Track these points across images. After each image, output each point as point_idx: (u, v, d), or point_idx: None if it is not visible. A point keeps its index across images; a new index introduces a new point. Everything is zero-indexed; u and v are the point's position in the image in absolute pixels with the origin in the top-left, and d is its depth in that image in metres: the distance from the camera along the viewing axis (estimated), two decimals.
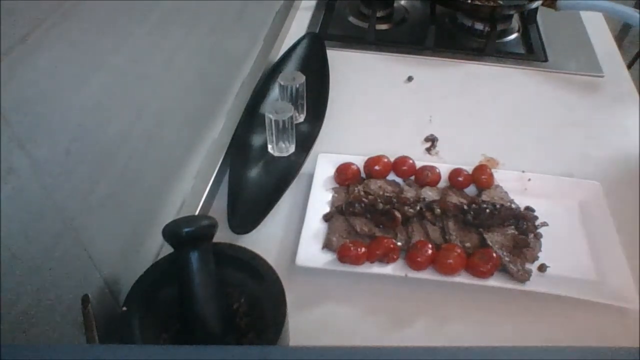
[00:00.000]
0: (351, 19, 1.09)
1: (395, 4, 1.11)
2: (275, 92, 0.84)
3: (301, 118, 0.81)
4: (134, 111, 0.52)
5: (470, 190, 0.72)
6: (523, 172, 0.74)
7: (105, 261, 0.49)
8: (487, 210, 0.66)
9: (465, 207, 0.67)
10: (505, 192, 0.71)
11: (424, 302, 0.61)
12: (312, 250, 0.64)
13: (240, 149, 0.76)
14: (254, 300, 0.50)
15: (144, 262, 0.55)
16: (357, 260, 0.61)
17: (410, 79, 0.93)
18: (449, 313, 0.60)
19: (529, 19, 1.08)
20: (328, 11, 1.10)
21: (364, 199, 0.68)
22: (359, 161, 0.74)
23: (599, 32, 1.07)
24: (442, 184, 0.73)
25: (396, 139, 0.81)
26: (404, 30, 1.08)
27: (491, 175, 0.72)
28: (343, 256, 0.62)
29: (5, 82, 0.34)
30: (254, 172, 0.73)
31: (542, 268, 0.63)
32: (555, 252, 0.65)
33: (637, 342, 0.57)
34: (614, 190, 0.74)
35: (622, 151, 0.82)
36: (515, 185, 0.72)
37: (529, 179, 0.73)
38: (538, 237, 0.66)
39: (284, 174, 0.73)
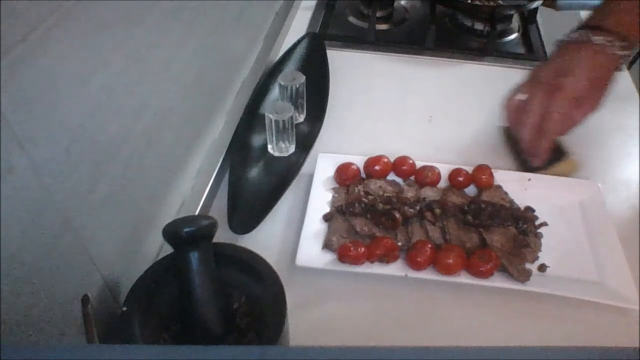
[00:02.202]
0: (351, 19, 1.09)
1: (395, 4, 1.11)
2: (275, 92, 0.84)
3: (301, 118, 0.81)
4: (134, 111, 0.52)
5: (470, 190, 0.72)
6: (523, 172, 0.74)
7: (105, 261, 0.49)
8: (487, 210, 0.66)
9: (465, 207, 0.67)
10: (505, 192, 0.71)
11: (424, 302, 0.61)
12: (312, 250, 0.64)
13: (240, 149, 0.76)
14: (254, 300, 0.50)
15: (144, 262, 0.55)
16: (357, 260, 0.61)
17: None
18: (449, 313, 0.60)
19: (529, 19, 1.07)
20: (328, 11, 1.10)
21: (364, 199, 0.68)
22: (359, 161, 0.73)
23: None
24: (442, 184, 0.72)
25: (396, 139, 0.81)
26: (404, 30, 1.08)
27: (491, 175, 0.72)
28: (343, 256, 0.62)
29: (5, 82, 0.33)
30: (254, 172, 0.73)
31: (542, 268, 0.63)
32: (555, 252, 0.65)
33: (637, 342, 0.57)
34: (614, 190, 0.74)
35: (622, 151, 0.82)
36: (515, 185, 0.72)
37: (529, 179, 0.73)
38: (538, 237, 0.66)
39: (284, 174, 0.73)
